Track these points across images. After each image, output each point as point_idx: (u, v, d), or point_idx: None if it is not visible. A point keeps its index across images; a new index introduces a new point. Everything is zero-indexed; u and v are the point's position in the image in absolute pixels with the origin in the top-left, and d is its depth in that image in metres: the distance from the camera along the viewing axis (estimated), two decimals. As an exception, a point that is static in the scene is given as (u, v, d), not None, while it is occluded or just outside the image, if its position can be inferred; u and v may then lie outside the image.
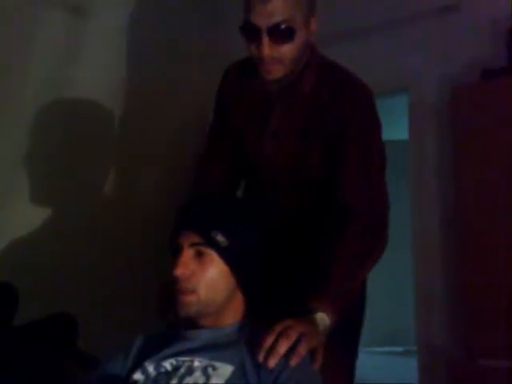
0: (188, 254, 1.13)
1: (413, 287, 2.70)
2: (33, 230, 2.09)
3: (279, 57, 1.32)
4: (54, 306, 1.69)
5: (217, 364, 1.07)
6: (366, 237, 1.31)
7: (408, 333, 3.05)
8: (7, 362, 1.40)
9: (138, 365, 1.13)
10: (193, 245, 1.13)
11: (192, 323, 1.16)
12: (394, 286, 4.36)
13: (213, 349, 1.09)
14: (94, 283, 2.18)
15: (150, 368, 1.11)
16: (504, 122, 2.27)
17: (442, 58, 2.59)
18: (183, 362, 1.09)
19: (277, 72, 1.35)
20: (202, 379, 1.05)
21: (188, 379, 1.06)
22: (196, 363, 1.08)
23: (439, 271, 2.57)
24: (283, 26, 1.29)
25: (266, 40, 1.30)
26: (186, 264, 1.12)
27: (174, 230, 1.17)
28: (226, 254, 1.13)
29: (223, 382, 1.04)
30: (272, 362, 1.04)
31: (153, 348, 1.16)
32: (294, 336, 1.07)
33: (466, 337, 2.37)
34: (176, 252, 1.14)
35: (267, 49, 1.30)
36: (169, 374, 1.08)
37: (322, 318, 1.16)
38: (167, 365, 1.10)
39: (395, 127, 4.21)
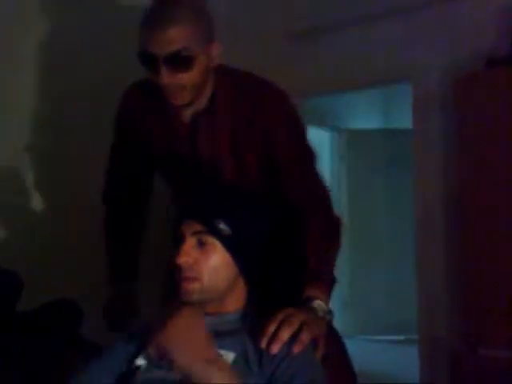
0: (190, 242, 1.13)
1: (415, 276, 2.72)
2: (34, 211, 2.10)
3: (180, 84, 1.29)
4: (56, 292, 1.70)
5: (219, 351, 1.08)
6: (327, 224, 1.38)
7: (410, 322, 3.06)
8: (7, 350, 1.41)
9: (141, 351, 1.14)
10: (195, 233, 1.13)
11: None
12: (396, 275, 4.38)
13: (215, 336, 1.09)
14: (95, 268, 2.20)
15: (153, 354, 1.11)
16: (508, 111, 2.27)
17: (446, 46, 2.58)
18: None
19: (182, 98, 1.32)
20: None
21: None
22: None
23: (442, 260, 2.58)
24: (181, 55, 1.26)
25: (164, 69, 1.26)
26: (189, 252, 1.12)
27: (176, 218, 1.17)
28: (228, 243, 1.14)
29: None
30: (275, 348, 1.04)
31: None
32: (296, 324, 1.08)
33: (467, 326, 2.39)
34: (178, 241, 1.15)
35: (166, 77, 1.27)
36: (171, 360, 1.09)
37: (320, 305, 1.19)
38: None
39: (399, 116, 4.21)
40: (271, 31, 2.94)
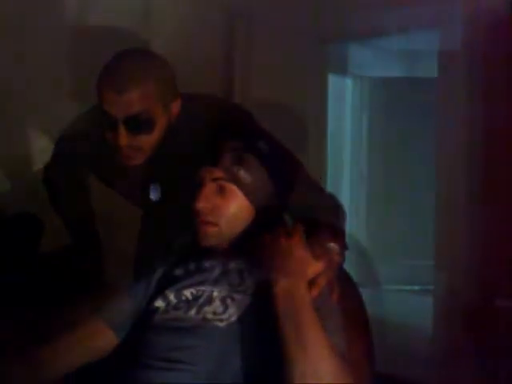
0: (210, 187, 1.14)
1: (434, 226, 2.70)
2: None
3: (138, 146, 1.25)
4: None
5: (235, 295, 1.09)
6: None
7: (426, 272, 3.07)
8: (31, 288, 1.45)
9: (159, 293, 1.16)
10: (215, 179, 1.13)
11: (212, 253, 1.18)
12: (414, 225, 4.36)
13: (232, 279, 1.11)
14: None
15: (171, 296, 1.14)
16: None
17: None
18: (203, 291, 1.12)
19: (136, 159, 1.28)
20: (220, 309, 1.07)
21: (207, 308, 1.09)
22: (215, 293, 1.11)
23: (462, 209, 2.56)
24: (141, 118, 1.21)
25: (122, 130, 1.21)
26: (208, 198, 1.13)
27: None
28: (247, 190, 1.14)
29: (241, 312, 1.06)
30: (315, 292, 1.04)
31: (173, 277, 1.18)
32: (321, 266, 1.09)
33: (485, 277, 2.38)
34: (197, 185, 1.15)
35: (124, 139, 1.22)
36: (189, 303, 1.11)
37: (333, 248, 1.19)
38: (188, 294, 1.13)
39: (423, 64, 4.10)
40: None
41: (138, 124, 1.21)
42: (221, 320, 1.04)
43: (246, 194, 1.11)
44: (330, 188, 3.56)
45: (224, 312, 1.05)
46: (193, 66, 2.64)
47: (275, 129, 1.30)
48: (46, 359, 1.13)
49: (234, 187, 1.12)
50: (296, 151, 1.33)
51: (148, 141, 1.24)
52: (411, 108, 4.53)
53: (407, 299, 4.22)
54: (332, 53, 3.44)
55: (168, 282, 1.15)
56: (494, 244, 2.34)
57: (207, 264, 1.15)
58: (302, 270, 0.99)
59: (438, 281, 2.69)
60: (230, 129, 1.17)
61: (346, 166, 4.60)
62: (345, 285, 1.18)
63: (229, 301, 1.07)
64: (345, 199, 4.62)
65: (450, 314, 2.57)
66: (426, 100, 3.93)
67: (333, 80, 3.60)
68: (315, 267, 1.02)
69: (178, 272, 1.16)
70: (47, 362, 1.12)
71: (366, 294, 1.33)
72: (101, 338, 1.15)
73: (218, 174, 1.12)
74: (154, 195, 1.34)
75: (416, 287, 4.41)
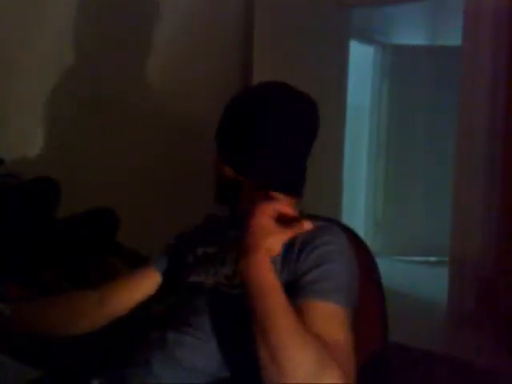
0: None
1: (451, 198, 2.68)
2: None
3: None
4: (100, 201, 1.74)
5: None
6: None
7: (442, 243, 3.06)
8: (48, 251, 1.46)
9: (192, 269, 1.14)
10: None
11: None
12: (431, 198, 4.33)
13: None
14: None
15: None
16: None
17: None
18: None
19: None
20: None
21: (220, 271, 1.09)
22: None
23: (480, 183, 2.53)
24: None
25: None
26: None
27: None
28: None
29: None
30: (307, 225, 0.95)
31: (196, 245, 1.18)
32: None
33: (500, 251, 2.37)
34: None
35: None
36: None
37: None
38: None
39: (447, 32, 4.00)
40: None
41: None
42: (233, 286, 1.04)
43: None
44: (348, 150, 3.53)
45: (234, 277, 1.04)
46: (216, 26, 2.62)
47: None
48: (106, 295, 1.15)
49: None
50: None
51: None
52: (433, 77, 4.45)
53: (422, 269, 4.23)
54: (353, 19, 3.37)
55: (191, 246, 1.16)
56: (509, 218, 2.32)
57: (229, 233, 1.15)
58: (257, 244, 0.91)
59: (453, 252, 2.68)
60: None
61: (364, 135, 4.56)
62: (360, 256, 1.17)
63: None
64: (362, 167, 4.60)
65: (465, 285, 2.56)
66: (449, 69, 3.86)
67: (353, 47, 3.53)
68: (277, 235, 0.92)
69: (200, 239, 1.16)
70: (107, 298, 1.15)
71: (381, 263, 1.31)
72: (151, 279, 1.19)
73: None
74: None
75: (432, 258, 4.41)
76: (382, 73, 4.58)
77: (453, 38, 3.08)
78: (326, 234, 1.05)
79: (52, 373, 1.06)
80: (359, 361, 0.91)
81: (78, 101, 2.11)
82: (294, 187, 1.16)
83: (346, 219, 3.05)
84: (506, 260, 2.33)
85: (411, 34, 4.83)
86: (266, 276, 0.91)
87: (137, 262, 1.36)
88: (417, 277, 3.89)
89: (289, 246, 1.03)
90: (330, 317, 0.94)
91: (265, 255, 0.92)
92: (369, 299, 1.16)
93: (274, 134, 1.12)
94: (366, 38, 4.38)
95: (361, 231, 3.32)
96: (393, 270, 1.49)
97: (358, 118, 4.27)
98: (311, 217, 1.00)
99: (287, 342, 0.85)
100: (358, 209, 4.48)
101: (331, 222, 1.13)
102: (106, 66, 2.19)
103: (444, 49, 4.23)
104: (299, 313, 0.90)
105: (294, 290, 0.97)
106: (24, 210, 1.55)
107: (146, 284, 1.21)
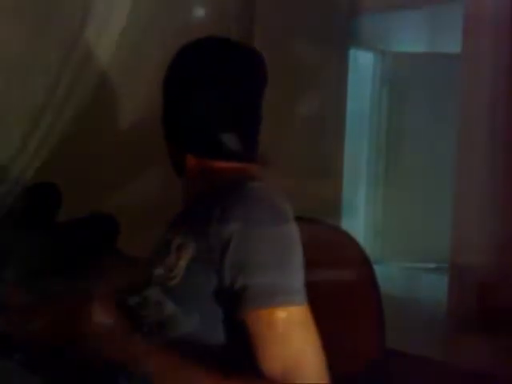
0: None
1: (452, 203, 2.68)
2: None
3: None
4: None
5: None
6: None
7: (441, 250, 3.05)
8: (46, 257, 1.46)
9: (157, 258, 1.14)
10: None
11: None
12: (432, 203, 4.33)
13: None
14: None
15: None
16: None
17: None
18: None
19: None
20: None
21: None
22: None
23: (481, 186, 2.52)
24: None
25: None
26: None
27: None
28: None
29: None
30: None
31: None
32: None
33: (501, 257, 2.37)
34: None
35: None
36: None
37: None
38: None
39: (447, 40, 4.01)
40: None
41: None
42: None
43: None
44: (347, 158, 3.54)
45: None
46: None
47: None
48: None
49: None
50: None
51: None
52: (433, 84, 4.46)
53: (422, 277, 4.22)
54: (354, 27, 3.38)
55: None
56: (509, 221, 2.31)
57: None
58: None
59: (452, 259, 2.68)
60: None
61: (364, 140, 4.55)
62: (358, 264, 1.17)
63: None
64: (362, 171, 4.60)
65: (465, 291, 2.56)
66: (448, 76, 3.86)
67: (354, 54, 3.55)
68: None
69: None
70: None
71: (379, 269, 1.32)
72: None
73: None
74: None
75: (431, 265, 4.40)
76: (381, 79, 4.59)
77: (453, 45, 3.09)
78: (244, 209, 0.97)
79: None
80: (357, 369, 0.91)
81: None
82: (229, 152, 1.03)
83: (345, 226, 3.05)
84: (507, 265, 2.33)
85: (411, 41, 4.84)
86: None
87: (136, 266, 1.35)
88: (415, 283, 3.88)
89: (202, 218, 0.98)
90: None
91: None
92: (366, 306, 1.17)
93: (194, 96, 1.03)
94: (366, 45, 4.39)
95: (360, 238, 3.31)
96: (390, 276, 1.49)
97: (357, 124, 4.27)
98: (312, 221, 1.00)
99: None
100: (357, 216, 4.48)
101: (335, 230, 1.13)
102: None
103: (443, 56, 4.24)
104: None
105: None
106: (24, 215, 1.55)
107: None
